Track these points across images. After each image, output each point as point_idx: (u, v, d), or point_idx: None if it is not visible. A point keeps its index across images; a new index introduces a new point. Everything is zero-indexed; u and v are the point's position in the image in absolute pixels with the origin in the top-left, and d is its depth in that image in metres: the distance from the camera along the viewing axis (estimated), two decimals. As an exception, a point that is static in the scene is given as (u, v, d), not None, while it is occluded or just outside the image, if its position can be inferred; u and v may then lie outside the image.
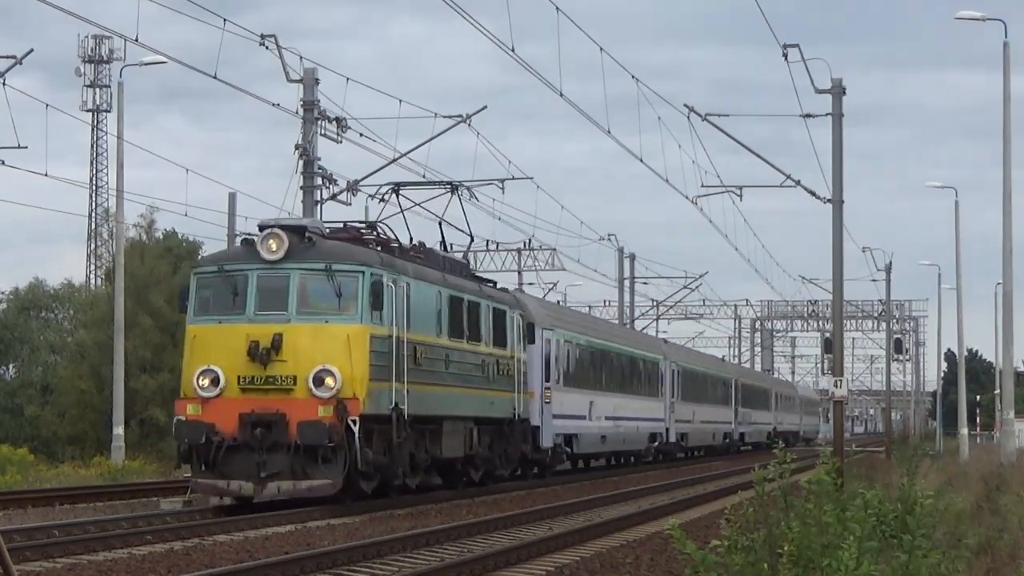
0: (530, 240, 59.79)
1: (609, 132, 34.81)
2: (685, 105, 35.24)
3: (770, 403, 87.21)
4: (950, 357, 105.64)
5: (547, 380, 39.09)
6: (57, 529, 22.02)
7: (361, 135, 36.67)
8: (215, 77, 31.29)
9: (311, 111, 35.88)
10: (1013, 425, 44.32)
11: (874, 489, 13.69)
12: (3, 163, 38.18)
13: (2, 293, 67.41)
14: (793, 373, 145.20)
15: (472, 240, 37.90)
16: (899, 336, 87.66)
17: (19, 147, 38.45)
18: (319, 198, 36.65)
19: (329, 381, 26.10)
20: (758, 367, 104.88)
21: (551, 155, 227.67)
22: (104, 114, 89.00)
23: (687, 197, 39.79)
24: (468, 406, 32.07)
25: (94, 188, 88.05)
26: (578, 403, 42.84)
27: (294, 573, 17.67)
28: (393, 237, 30.23)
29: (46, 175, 40.51)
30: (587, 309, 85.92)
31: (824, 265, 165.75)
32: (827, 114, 34.73)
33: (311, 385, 26.07)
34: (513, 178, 44.37)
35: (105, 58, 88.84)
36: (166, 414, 47.74)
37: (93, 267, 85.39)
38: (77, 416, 54.74)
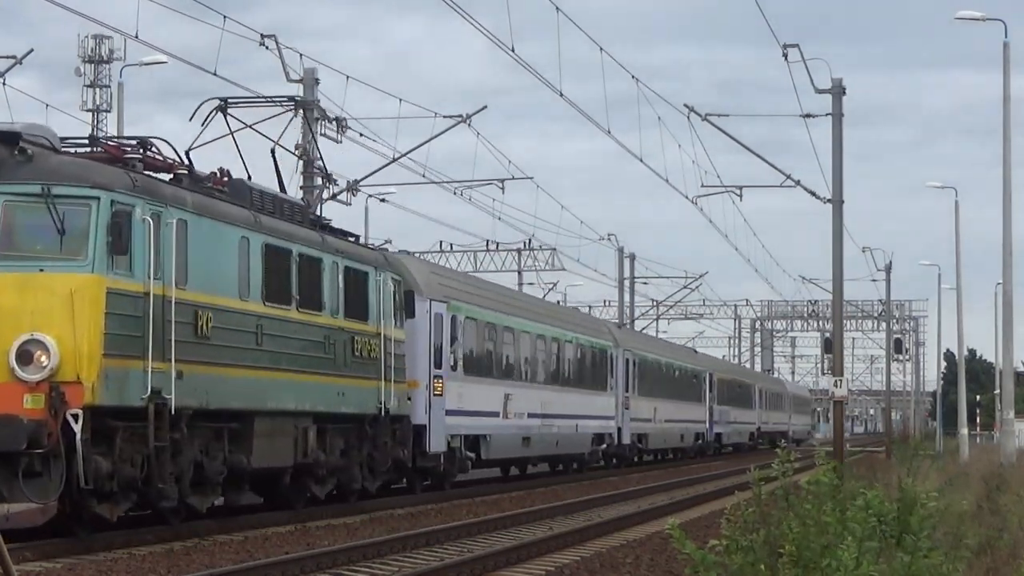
0: (530, 240, 59.91)
1: (609, 132, 34.92)
2: (685, 105, 35.33)
3: (753, 400, 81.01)
4: (950, 357, 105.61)
5: (438, 366, 31.30)
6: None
7: (361, 135, 36.69)
8: (215, 74, 31.21)
9: (311, 111, 35.87)
10: (1013, 425, 44.27)
11: (874, 489, 13.69)
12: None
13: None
14: (793, 373, 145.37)
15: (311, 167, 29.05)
16: (899, 336, 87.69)
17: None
18: (319, 198, 36.62)
19: (41, 357, 18.47)
20: (758, 367, 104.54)
21: (551, 155, 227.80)
22: (104, 114, 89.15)
23: (687, 197, 39.90)
24: (299, 397, 24.20)
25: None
26: (487, 396, 34.87)
27: (294, 573, 17.66)
28: (180, 161, 22.23)
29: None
30: (587, 309, 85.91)
31: (824, 265, 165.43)
32: (827, 114, 34.75)
33: (14, 363, 18.42)
34: (513, 178, 44.54)
35: (105, 58, 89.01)
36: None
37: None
38: None
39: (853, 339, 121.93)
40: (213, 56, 44.73)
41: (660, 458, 59.68)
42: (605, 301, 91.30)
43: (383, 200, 46.20)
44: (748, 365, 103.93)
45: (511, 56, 29.11)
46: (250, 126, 27.14)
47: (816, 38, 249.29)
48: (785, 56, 32.67)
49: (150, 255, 19.63)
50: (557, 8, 30.39)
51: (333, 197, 37.39)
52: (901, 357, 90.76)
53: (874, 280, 76.80)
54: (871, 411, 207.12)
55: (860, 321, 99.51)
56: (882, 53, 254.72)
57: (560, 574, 18.45)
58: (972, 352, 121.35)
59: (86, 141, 21.51)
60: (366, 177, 38.85)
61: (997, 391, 65.10)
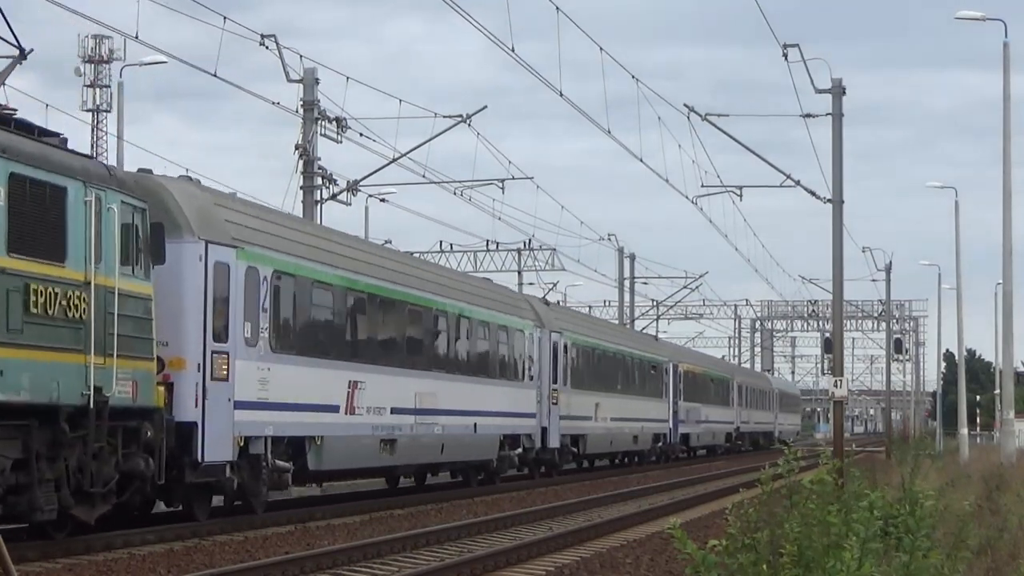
0: (530, 240, 59.97)
1: (609, 132, 34.95)
2: (685, 105, 35.32)
3: (730, 397, 72.70)
4: (950, 357, 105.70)
5: (220, 339, 22.67)
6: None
7: (361, 135, 36.73)
8: (215, 75, 31.22)
9: (311, 111, 35.88)
10: (1013, 425, 44.27)
11: (877, 490, 13.69)
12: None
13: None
14: (793, 373, 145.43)
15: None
16: (899, 336, 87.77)
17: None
18: (319, 198, 36.65)
19: None
20: (758, 367, 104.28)
21: (550, 155, 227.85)
22: (104, 114, 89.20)
23: (687, 197, 39.92)
24: None
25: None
26: (317, 384, 26.19)
27: (294, 573, 17.67)
28: None
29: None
30: (587, 309, 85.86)
31: (824, 265, 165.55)
32: (827, 114, 34.73)
33: None
34: (513, 178, 44.60)
35: (105, 58, 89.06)
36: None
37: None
38: None
39: (853, 339, 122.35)
40: (213, 56, 44.72)
41: (613, 463, 53.62)
42: (605, 301, 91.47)
43: (383, 200, 46.22)
44: (748, 365, 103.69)
45: (511, 56, 29.19)
46: None
47: (816, 38, 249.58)
48: (785, 56, 32.67)
49: None
50: (557, 8, 30.45)
51: (333, 197, 37.42)
52: (901, 357, 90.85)
53: (874, 280, 76.95)
54: (871, 411, 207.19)
55: (860, 321, 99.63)
56: (882, 53, 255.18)
57: (560, 574, 18.45)
58: (972, 352, 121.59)
59: None
60: (366, 177, 38.92)
61: (997, 391, 65.16)
